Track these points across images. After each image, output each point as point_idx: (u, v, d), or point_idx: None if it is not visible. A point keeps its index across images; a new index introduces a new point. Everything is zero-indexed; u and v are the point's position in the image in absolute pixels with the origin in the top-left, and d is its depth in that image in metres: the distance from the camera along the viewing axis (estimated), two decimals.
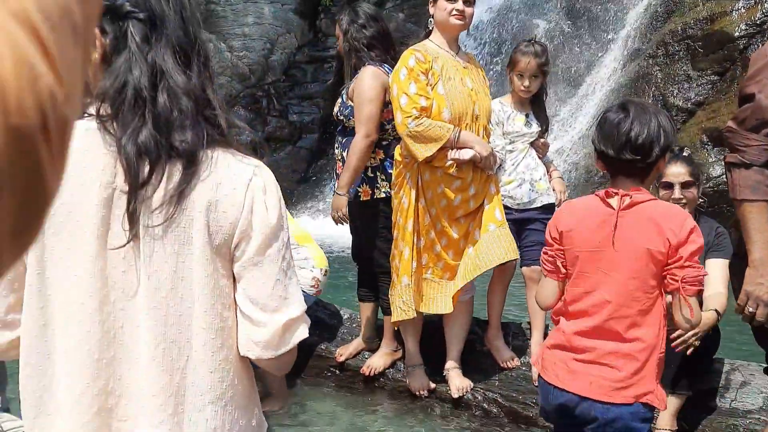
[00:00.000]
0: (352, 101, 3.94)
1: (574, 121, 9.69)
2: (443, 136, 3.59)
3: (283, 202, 1.39)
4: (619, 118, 2.30)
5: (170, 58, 1.29)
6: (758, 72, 2.51)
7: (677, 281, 2.21)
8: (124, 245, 1.27)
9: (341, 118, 4.01)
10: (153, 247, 1.28)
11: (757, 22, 8.26)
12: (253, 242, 1.32)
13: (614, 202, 2.31)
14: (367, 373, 4.11)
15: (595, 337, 2.32)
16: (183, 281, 1.30)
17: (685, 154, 3.49)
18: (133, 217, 1.26)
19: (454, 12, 3.74)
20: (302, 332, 1.38)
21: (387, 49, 4.06)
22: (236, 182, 1.32)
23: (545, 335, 3.80)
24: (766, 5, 8.28)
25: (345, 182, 3.93)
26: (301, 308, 1.37)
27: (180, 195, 1.27)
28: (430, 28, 3.88)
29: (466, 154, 3.57)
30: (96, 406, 1.30)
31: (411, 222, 3.76)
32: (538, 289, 2.58)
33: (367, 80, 3.92)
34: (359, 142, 3.87)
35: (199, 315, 1.31)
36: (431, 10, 3.86)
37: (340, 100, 4.05)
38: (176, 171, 1.27)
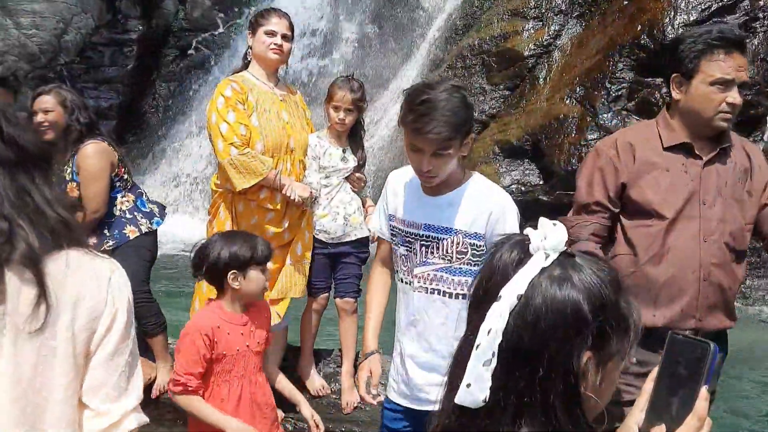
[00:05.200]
0: None
1: (376, 130, 9.91)
2: (263, 172, 3.61)
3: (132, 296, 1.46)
4: None
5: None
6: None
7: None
8: None
9: None
10: (16, 341, 1.30)
11: (544, 44, 9.01)
12: (112, 338, 1.39)
13: None
14: (155, 395, 3.98)
15: None
16: (42, 375, 1.33)
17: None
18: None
19: (273, 46, 3.78)
20: (130, 424, 1.43)
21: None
22: (96, 281, 1.38)
23: (355, 364, 3.95)
24: (552, 28, 9.05)
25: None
26: (137, 400, 1.44)
27: (44, 296, 1.30)
28: (249, 59, 3.88)
29: (304, 192, 3.65)
30: None
31: None
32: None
33: (93, 158, 3.98)
34: (89, 218, 3.94)
35: (54, 407, 1.35)
36: (249, 41, 3.87)
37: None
38: (27, 278, 1.30)
